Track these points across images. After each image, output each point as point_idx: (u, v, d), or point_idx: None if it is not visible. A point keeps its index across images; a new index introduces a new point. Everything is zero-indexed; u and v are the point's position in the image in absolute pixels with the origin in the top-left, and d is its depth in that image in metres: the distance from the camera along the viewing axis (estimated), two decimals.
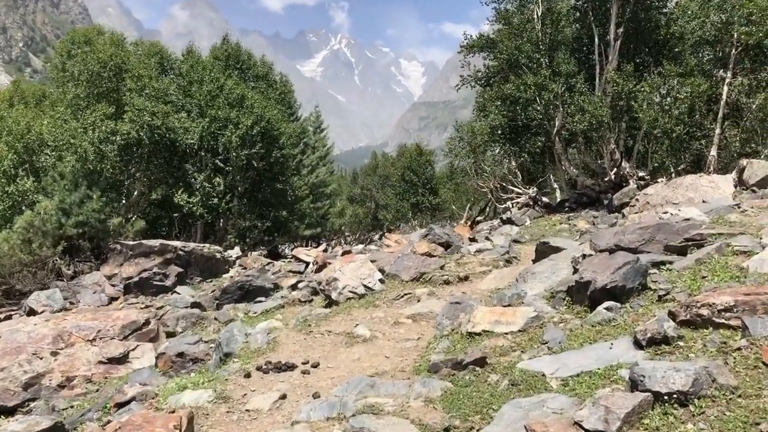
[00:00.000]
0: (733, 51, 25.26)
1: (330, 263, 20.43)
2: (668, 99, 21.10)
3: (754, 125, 27.03)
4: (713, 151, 25.35)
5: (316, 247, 44.29)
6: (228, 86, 25.46)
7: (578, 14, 24.93)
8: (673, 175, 27.86)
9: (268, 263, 22.81)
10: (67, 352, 6.29)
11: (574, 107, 21.99)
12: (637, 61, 23.01)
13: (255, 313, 9.18)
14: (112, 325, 5.91)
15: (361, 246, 38.34)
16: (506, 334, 6.26)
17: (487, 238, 10.69)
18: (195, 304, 10.09)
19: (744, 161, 25.71)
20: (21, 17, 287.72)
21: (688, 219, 7.75)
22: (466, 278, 7.79)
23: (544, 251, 7.80)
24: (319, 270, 19.76)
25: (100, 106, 22.34)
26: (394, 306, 7.91)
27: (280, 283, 11.37)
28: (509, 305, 6.72)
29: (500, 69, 25.51)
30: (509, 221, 22.94)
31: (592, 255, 6.72)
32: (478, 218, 35.69)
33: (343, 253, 22.90)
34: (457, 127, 26.65)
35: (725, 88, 24.61)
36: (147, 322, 6.21)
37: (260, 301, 10.07)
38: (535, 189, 25.40)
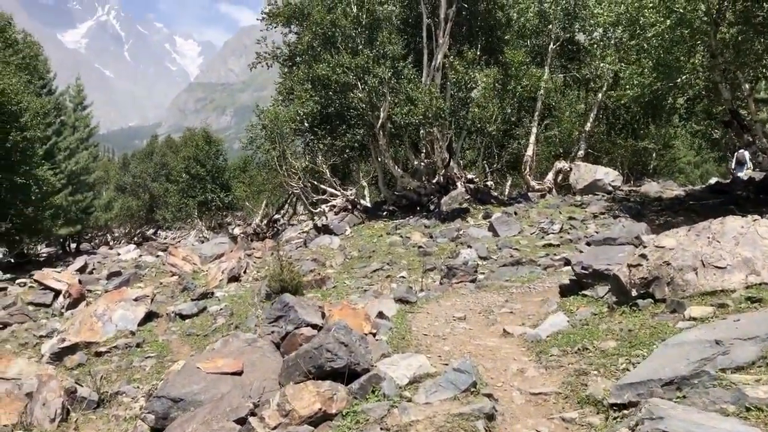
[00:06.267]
0: (551, 45, 23.99)
1: (88, 295, 14.94)
2: (507, 91, 18.73)
3: (569, 126, 26.19)
4: (530, 151, 23.91)
5: (68, 254, 36.65)
6: None
7: None
8: (489, 175, 26.15)
9: None
10: None
11: (401, 96, 18.75)
12: (466, 46, 20.45)
13: None
14: None
15: (133, 247, 32.01)
16: None
17: (381, 315, 6.53)
18: None
19: (562, 163, 24.72)
20: None
21: None
22: None
23: None
24: (73, 305, 14.22)
25: None
26: None
27: None
28: None
29: (309, 46, 21.40)
30: (326, 229, 19.18)
31: None
32: (276, 216, 31.52)
33: (109, 276, 17.28)
34: (258, 113, 22.04)
35: (542, 84, 23.12)
36: None
37: None
38: (354, 191, 21.85)
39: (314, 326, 5.64)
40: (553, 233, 14.76)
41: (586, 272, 6.57)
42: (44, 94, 32.44)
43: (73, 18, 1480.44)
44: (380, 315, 6.47)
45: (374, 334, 5.70)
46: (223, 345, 5.44)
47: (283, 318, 5.56)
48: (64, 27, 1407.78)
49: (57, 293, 15.02)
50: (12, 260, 29.93)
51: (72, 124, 37.85)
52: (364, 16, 19.76)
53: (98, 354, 9.88)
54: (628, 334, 4.54)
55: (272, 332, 5.45)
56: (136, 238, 45.38)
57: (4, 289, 16.55)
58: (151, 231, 49.50)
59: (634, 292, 5.18)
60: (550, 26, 23.61)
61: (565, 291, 6.86)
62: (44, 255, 36.43)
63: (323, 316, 6.07)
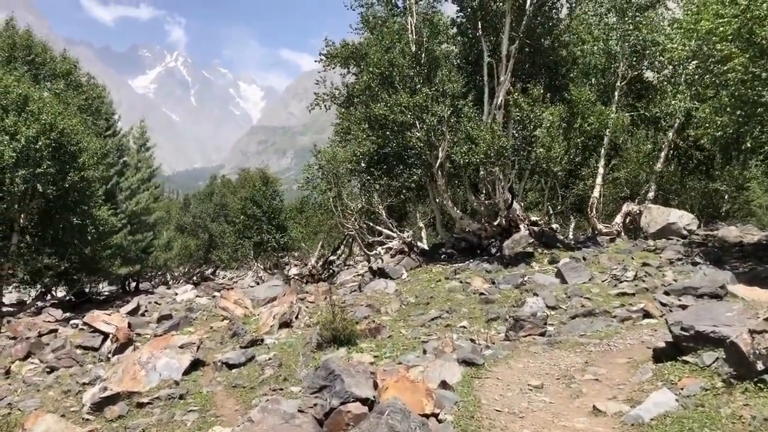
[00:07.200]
0: (618, 83, 23.03)
1: (136, 339, 14.50)
2: (572, 130, 17.82)
3: (637, 166, 24.92)
4: (596, 192, 22.78)
5: (128, 293, 36.94)
6: (5, 83, 18.47)
7: (461, 27, 21.31)
8: (552, 217, 25.09)
9: (51, 331, 16.26)
10: None
11: (461, 135, 18.06)
12: (529, 84, 19.71)
13: None
14: None
15: (190, 287, 31.94)
16: None
17: (444, 385, 5.70)
18: None
19: (630, 205, 23.43)
20: None
21: None
22: None
23: None
24: (120, 350, 13.81)
25: None
26: None
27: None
28: None
29: (367, 86, 21.04)
30: (382, 273, 18.48)
31: None
32: (332, 257, 31.07)
33: (160, 320, 16.87)
34: (315, 153, 21.72)
35: (609, 123, 22.06)
36: None
37: None
38: (410, 232, 21.11)
39: (364, 401, 4.77)
40: (626, 281, 13.62)
41: (687, 334, 5.54)
42: (108, 136, 33.11)
43: (144, 65, 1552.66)
44: (443, 384, 5.54)
45: (437, 416, 4.77)
46: (260, 413, 4.68)
47: (328, 389, 4.71)
48: (135, 73, 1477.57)
49: (106, 336, 14.70)
50: (72, 299, 30.27)
51: (135, 165, 38.54)
52: (423, 54, 19.31)
53: (140, 405, 9.34)
54: (764, 425, 3.56)
55: (314, 405, 4.63)
56: (194, 278, 45.63)
57: (56, 330, 16.36)
58: (210, 271, 49.79)
59: (759, 365, 4.18)
60: (617, 64, 22.70)
61: (660, 355, 5.82)
62: (105, 294, 36.86)
63: (375, 386, 5.19)
